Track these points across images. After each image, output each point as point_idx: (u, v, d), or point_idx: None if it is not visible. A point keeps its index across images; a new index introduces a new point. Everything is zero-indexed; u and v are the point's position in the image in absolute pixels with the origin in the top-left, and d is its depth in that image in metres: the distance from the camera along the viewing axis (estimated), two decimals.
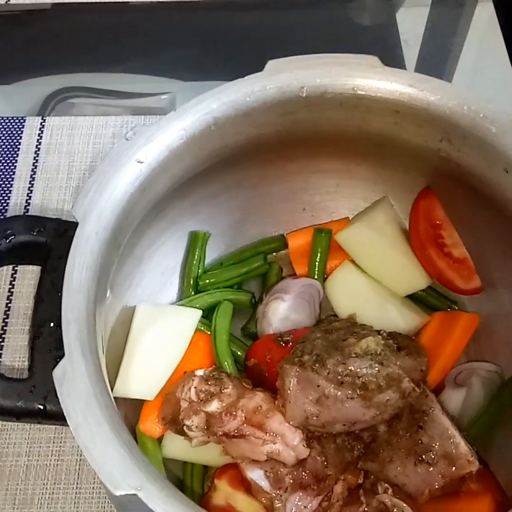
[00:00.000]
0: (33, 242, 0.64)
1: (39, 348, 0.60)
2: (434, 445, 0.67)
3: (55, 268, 0.62)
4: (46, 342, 0.60)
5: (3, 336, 0.86)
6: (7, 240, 0.63)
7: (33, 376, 0.60)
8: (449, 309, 0.84)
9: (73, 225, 0.61)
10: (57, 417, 0.59)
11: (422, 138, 0.71)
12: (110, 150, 0.63)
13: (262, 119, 0.69)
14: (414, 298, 0.84)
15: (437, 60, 1.22)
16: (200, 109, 0.66)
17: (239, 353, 0.80)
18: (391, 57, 0.68)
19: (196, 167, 0.71)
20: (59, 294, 0.57)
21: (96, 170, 0.62)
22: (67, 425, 0.55)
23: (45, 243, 0.64)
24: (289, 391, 0.66)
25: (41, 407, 0.59)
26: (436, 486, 0.67)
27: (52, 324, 0.60)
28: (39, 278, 0.63)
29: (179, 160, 0.67)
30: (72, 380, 0.53)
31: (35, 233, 0.64)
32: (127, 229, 0.65)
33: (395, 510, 0.65)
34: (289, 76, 0.68)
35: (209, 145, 0.69)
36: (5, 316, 0.88)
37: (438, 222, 0.80)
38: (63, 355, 0.55)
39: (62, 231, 0.65)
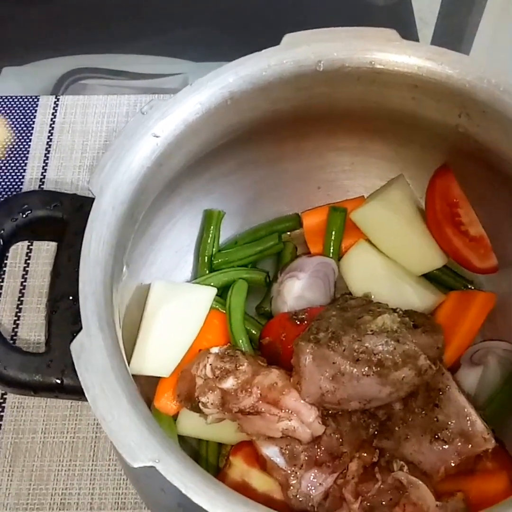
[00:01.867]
0: (50, 217, 0.64)
1: (56, 322, 0.60)
2: (450, 423, 0.67)
3: (72, 244, 0.62)
4: (63, 316, 0.60)
5: (19, 314, 0.87)
6: (24, 215, 0.63)
7: (50, 351, 0.60)
8: (465, 288, 0.84)
9: (89, 201, 0.61)
10: (74, 391, 0.59)
11: (440, 114, 0.70)
12: (126, 125, 0.63)
13: (279, 93, 0.69)
14: (430, 278, 0.83)
15: (453, 38, 1.21)
16: (216, 83, 0.65)
17: (253, 331, 0.80)
18: (406, 35, 0.67)
19: (211, 143, 0.71)
20: (76, 269, 0.57)
21: (112, 144, 0.62)
22: (84, 400, 0.55)
23: (62, 218, 0.64)
24: (304, 368, 0.66)
25: (59, 381, 0.59)
26: (452, 464, 0.67)
27: (69, 299, 0.60)
28: (56, 253, 0.63)
29: (195, 135, 0.67)
30: (90, 353, 0.53)
31: (51, 208, 0.64)
32: (143, 204, 0.65)
33: (411, 487, 0.64)
34: (306, 49, 0.67)
35: (225, 120, 0.68)
36: (20, 294, 0.88)
37: (454, 200, 0.80)
38: (80, 329, 0.55)
39: (78, 206, 0.65)
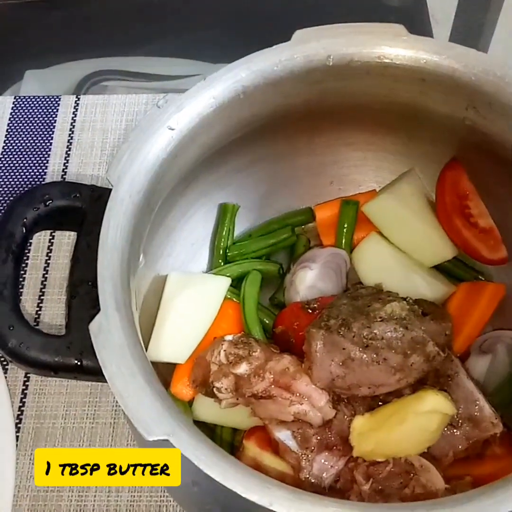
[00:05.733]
0: (70, 207, 0.67)
1: (76, 307, 0.63)
2: (458, 408, 0.68)
3: (91, 232, 0.65)
4: (82, 301, 0.63)
5: (41, 305, 0.90)
6: (45, 205, 0.66)
7: (70, 333, 0.62)
8: (475, 280, 0.85)
9: (107, 191, 0.63)
10: (93, 372, 0.62)
11: (448, 107, 0.72)
12: (142, 118, 0.66)
13: (290, 88, 0.71)
14: (440, 269, 0.84)
15: (470, 36, 1.22)
16: (229, 78, 0.67)
17: (267, 321, 0.81)
18: (421, 34, 0.69)
19: (225, 137, 0.73)
20: (95, 255, 0.59)
21: (129, 137, 0.65)
22: (101, 381, 0.57)
23: (81, 208, 0.67)
24: (315, 354, 0.68)
25: (77, 362, 0.61)
26: (460, 448, 0.68)
27: (88, 284, 0.63)
28: (75, 241, 0.66)
29: (209, 128, 0.69)
30: (107, 333, 0.55)
31: (71, 198, 0.67)
32: (159, 194, 0.67)
33: (421, 470, 0.66)
34: (316, 45, 0.69)
35: (238, 114, 0.70)
36: (42, 286, 0.91)
37: (464, 192, 0.81)
38: (98, 312, 0.57)
39: (97, 197, 0.67)
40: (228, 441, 0.75)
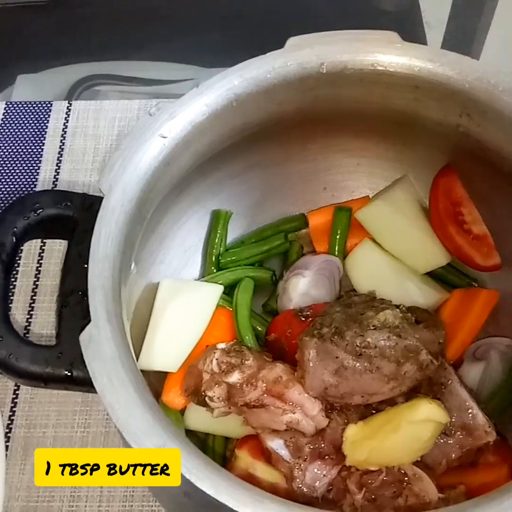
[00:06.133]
0: (60, 216, 0.66)
1: (66, 317, 0.62)
2: (452, 416, 0.68)
3: (82, 241, 0.64)
4: (73, 311, 0.62)
5: (31, 312, 0.89)
6: (36, 213, 0.66)
7: (60, 343, 0.62)
8: (468, 286, 0.85)
9: (99, 200, 0.63)
10: (83, 383, 0.61)
11: (442, 114, 0.72)
12: (134, 126, 0.65)
13: (283, 95, 0.71)
14: (434, 276, 0.84)
15: (463, 41, 1.22)
16: (222, 85, 0.67)
17: (259, 328, 0.81)
18: (415, 39, 0.69)
19: (218, 144, 0.73)
20: (86, 265, 0.59)
21: (121, 145, 0.64)
22: (92, 391, 0.57)
23: (72, 216, 0.66)
24: (308, 362, 0.68)
25: (68, 373, 0.61)
26: (454, 457, 0.68)
27: (79, 294, 0.62)
28: (66, 250, 0.65)
29: (202, 136, 0.69)
30: (98, 344, 0.54)
31: (62, 207, 0.66)
32: (151, 203, 0.67)
33: (414, 479, 0.66)
34: (310, 52, 0.68)
35: (231, 121, 0.70)
36: (33, 294, 0.90)
37: (458, 199, 0.81)
38: (89, 323, 0.57)
39: (88, 205, 0.67)
40: (220, 453, 0.75)
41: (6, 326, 0.62)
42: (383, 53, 0.69)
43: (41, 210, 0.66)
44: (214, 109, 0.68)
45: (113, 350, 0.54)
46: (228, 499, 0.49)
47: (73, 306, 0.62)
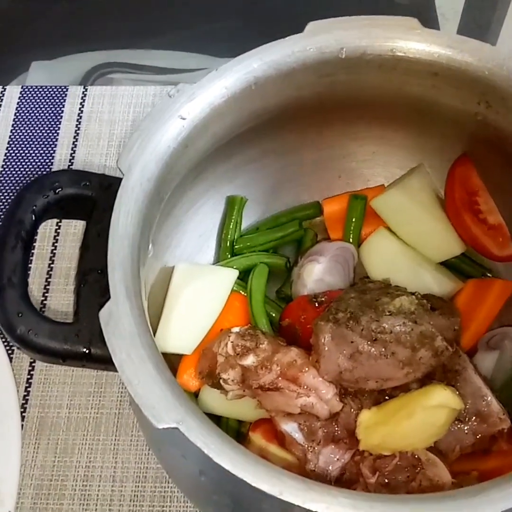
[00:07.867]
0: (79, 195, 0.67)
1: (85, 295, 0.63)
2: (466, 403, 0.68)
3: (100, 220, 0.65)
4: (91, 289, 0.63)
5: (46, 294, 0.89)
6: (55, 192, 0.66)
7: (78, 321, 0.62)
8: (483, 276, 0.85)
9: (117, 180, 0.63)
10: (101, 360, 0.61)
11: (460, 102, 0.72)
12: (153, 107, 0.65)
13: (302, 80, 0.70)
14: (448, 265, 0.84)
15: (478, 33, 1.21)
16: (241, 68, 0.67)
17: (273, 314, 0.81)
18: None
19: (236, 128, 0.73)
20: (105, 243, 0.59)
21: (140, 126, 0.64)
22: (110, 370, 0.57)
23: (91, 196, 0.67)
24: (323, 347, 0.68)
25: (86, 350, 0.61)
26: (467, 443, 0.68)
27: (98, 272, 0.63)
28: (85, 229, 0.66)
29: (220, 119, 0.69)
30: (117, 320, 0.55)
31: (81, 186, 0.66)
32: (169, 183, 0.67)
33: (428, 464, 0.66)
34: (329, 37, 0.68)
35: (249, 105, 0.70)
36: (48, 276, 0.91)
37: (474, 189, 0.81)
38: (107, 301, 0.57)
39: (107, 186, 0.67)
40: (233, 436, 0.75)
41: (25, 303, 0.62)
42: (403, 39, 0.69)
43: (60, 189, 0.66)
44: (233, 92, 0.68)
45: (132, 327, 0.54)
46: (245, 474, 0.49)
47: (92, 285, 0.63)
